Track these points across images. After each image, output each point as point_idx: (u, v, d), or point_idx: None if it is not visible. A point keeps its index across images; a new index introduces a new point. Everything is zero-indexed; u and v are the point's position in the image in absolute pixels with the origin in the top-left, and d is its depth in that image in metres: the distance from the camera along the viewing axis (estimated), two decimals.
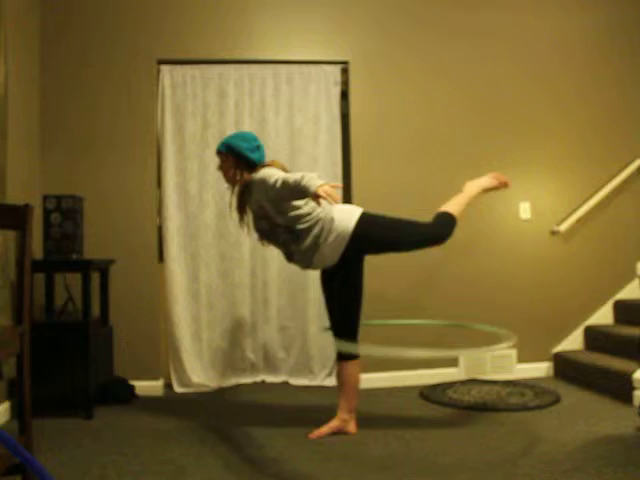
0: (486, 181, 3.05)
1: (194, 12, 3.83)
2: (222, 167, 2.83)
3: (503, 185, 3.07)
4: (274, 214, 2.66)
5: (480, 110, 4.04)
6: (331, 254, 2.68)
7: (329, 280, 2.81)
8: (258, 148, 2.79)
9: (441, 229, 2.83)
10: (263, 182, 2.60)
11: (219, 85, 3.86)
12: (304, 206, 2.67)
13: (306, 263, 2.74)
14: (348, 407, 2.80)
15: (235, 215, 2.89)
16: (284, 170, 2.75)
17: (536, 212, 4.07)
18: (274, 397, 3.55)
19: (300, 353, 3.88)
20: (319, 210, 2.69)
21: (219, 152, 2.81)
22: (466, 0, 4.06)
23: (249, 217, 2.83)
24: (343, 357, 2.79)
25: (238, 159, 2.76)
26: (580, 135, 4.14)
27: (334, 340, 2.81)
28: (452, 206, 2.91)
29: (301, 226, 2.66)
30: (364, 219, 2.71)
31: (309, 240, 2.67)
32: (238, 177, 2.78)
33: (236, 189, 2.82)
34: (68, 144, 3.72)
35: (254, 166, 2.76)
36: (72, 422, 3.05)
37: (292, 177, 2.42)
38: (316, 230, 2.66)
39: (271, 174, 2.59)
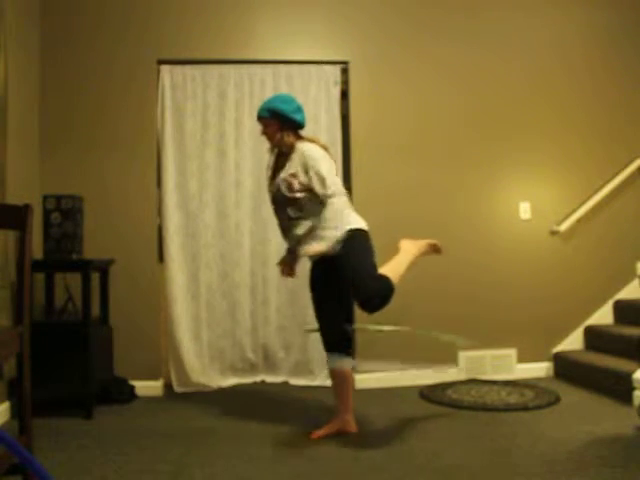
0: (422, 246, 2.85)
1: (195, 12, 3.83)
2: (266, 132, 2.83)
3: (436, 251, 2.94)
4: (298, 188, 2.70)
5: (480, 110, 4.03)
6: (319, 243, 2.68)
7: (319, 276, 2.84)
8: (299, 109, 2.83)
9: (377, 286, 2.52)
10: (304, 159, 2.69)
11: (219, 85, 3.86)
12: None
13: (295, 242, 2.78)
14: (346, 407, 2.81)
15: (269, 173, 2.91)
16: (325, 149, 2.80)
17: (536, 212, 4.06)
18: (274, 397, 3.55)
19: (300, 353, 3.88)
20: (335, 199, 2.68)
21: (261, 118, 2.82)
22: (466, 2, 4.06)
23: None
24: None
25: (283, 122, 2.78)
26: (580, 136, 4.14)
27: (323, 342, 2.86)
28: (391, 269, 2.61)
29: (313, 205, 2.70)
30: (359, 232, 2.67)
31: (309, 222, 2.70)
32: (285, 139, 2.80)
33: (276, 150, 2.86)
34: (68, 144, 3.71)
35: (299, 127, 2.82)
36: (72, 422, 3.05)
37: (322, 190, 2.63)
38: (323, 214, 2.67)
39: (315, 157, 2.68)
